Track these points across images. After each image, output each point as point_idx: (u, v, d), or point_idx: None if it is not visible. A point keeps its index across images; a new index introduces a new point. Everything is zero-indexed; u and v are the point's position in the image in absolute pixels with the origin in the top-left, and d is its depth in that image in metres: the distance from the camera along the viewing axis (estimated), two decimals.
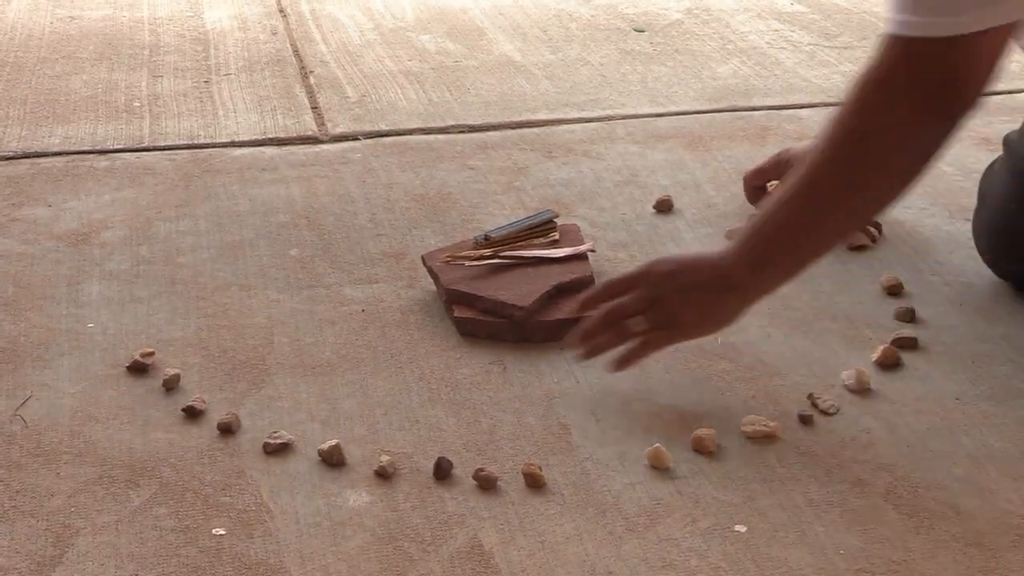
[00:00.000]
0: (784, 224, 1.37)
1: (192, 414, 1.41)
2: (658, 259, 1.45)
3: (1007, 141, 1.63)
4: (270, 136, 2.15)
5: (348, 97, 2.31)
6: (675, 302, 1.40)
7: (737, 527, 1.25)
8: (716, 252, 1.40)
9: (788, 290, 1.66)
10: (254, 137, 2.14)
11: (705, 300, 1.39)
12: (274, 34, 2.65)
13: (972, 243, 1.69)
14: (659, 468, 1.33)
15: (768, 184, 1.82)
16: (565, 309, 1.57)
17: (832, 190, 1.35)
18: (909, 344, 1.54)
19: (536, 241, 1.70)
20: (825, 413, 1.42)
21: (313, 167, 2.03)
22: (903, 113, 1.31)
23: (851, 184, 1.34)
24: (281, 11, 2.80)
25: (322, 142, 2.13)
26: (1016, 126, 1.64)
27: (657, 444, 1.35)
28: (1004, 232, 1.62)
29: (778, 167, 1.79)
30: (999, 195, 1.62)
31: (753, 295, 1.40)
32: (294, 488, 1.30)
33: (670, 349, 1.53)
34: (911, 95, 1.31)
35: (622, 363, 1.41)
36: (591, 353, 1.43)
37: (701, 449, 1.36)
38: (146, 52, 2.54)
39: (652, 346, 1.42)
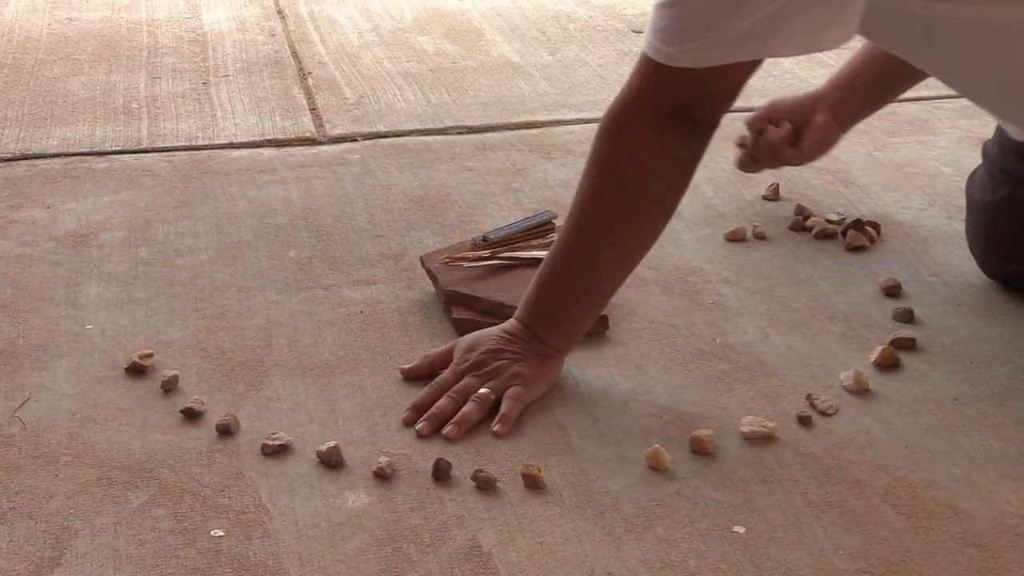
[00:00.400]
0: (563, 277, 1.44)
1: (191, 416, 1.41)
2: (463, 337, 1.49)
3: (984, 150, 1.68)
4: (268, 138, 2.15)
5: (346, 98, 2.31)
6: (512, 366, 1.42)
7: (736, 528, 1.25)
8: (512, 322, 1.46)
9: (786, 291, 1.67)
10: (252, 139, 2.14)
11: (534, 361, 1.44)
12: (272, 35, 2.65)
13: None
14: (658, 469, 1.33)
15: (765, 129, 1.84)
16: None
17: (600, 227, 1.42)
18: (907, 345, 1.54)
19: (535, 242, 1.70)
20: (824, 414, 1.42)
21: (311, 168, 2.03)
22: (646, 135, 1.39)
23: (616, 216, 1.41)
24: (279, 13, 2.80)
25: (320, 143, 2.13)
26: None
27: (656, 445, 1.35)
28: (990, 234, 1.65)
29: (772, 112, 1.82)
30: (982, 200, 1.65)
31: (563, 345, 1.46)
32: (293, 489, 1.30)
33: (668, 350, 1.54)
34: (654, 117, 1.38)
35: (504, 423, 1.39)
36: (433, 422, 1.39)
37: (700, 450, 1.36)
38: (144, 54, 2.54)
39: (518, 401, 1.41)
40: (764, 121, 1.84)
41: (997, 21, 1.39)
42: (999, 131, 1.64)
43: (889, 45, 1.44)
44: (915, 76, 1.75)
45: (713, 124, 1.41)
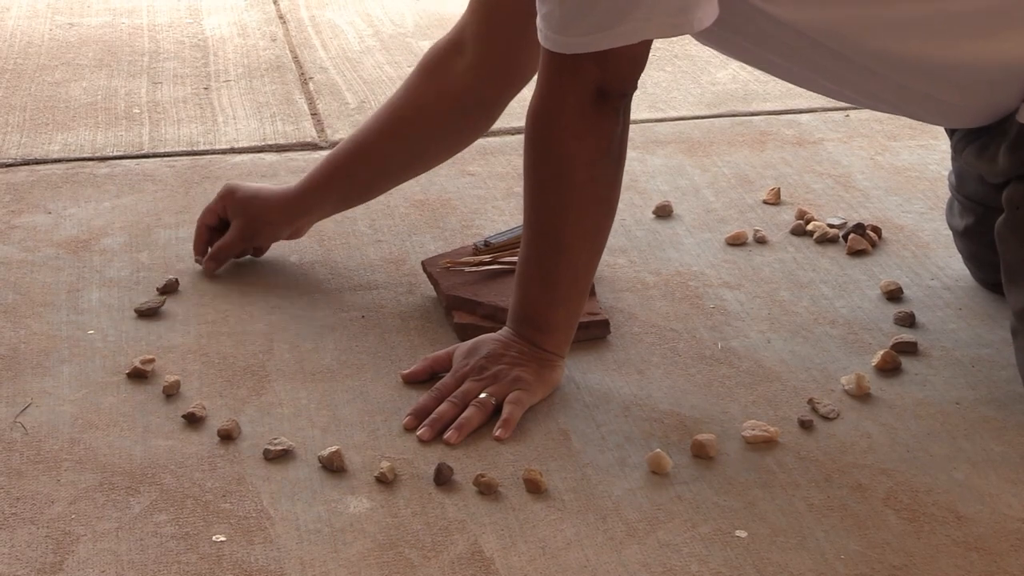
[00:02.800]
0: (538, 284, 1.44)
1: (192, 421, 1.41)
2: (462, 342, 1.49)
3: (948, 180, 1.71)
4: (269, 142, 2.15)
5: (347, 103, 2.31)
6: (512, 370, 1.43)
7: (738, 532, 1.25)
8: (506, 329, 1.46)
9: (787, 295, 1.67)
10: (253, 144, 2.15)
11: (534, 366, 1.44)
12: (273, 40, 2.65)
13: None
14: (659, 473, 1.33)
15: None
16: None
17: (563, 227, 1.42)
18: (909, 349, 1.54)
19: None
20: (825, 418, 1.42)
21: None
22: (580, 128, 1.39)
23: (575, 211, 1.42)
24: (280, 17, 2.80)
25: (321, 148, 2.13)
26: None
27: (657, 449, 1.35)
28: (976, 257, 1.67)
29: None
30: (958, 227, 1.68)
31: (558, 347, 1.45)
32: (295, 494, 1.30)
33: (670, 355, 1.54)
34: (580, 109, 1.38)
35: (506, 428, 1.39)
36: (434, 427, 1.39)
37: (701, 454, 1.36)
38: (145, 59, 2.54)
39: (519, 406, 1.41)
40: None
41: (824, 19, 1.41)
42: (952, 158, 1.66)
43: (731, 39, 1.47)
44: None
45: (631, 91, 1.42)
